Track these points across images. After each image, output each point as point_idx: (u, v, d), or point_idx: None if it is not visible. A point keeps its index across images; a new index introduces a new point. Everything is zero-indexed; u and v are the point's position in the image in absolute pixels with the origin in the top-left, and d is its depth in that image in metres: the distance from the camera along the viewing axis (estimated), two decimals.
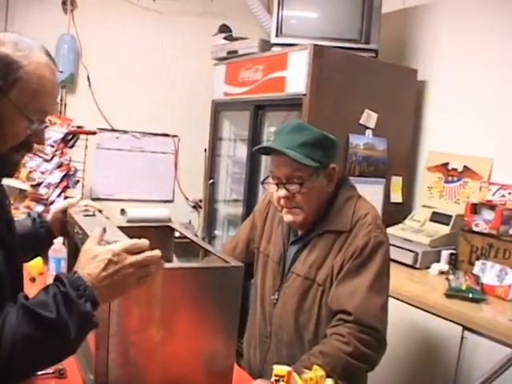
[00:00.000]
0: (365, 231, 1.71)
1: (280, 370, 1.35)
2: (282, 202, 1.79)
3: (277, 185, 1.78)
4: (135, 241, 1.19)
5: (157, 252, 1.19)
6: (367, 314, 1.63)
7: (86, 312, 1.08)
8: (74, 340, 1.08)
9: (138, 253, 1.17)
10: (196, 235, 4.02)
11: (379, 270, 1.69)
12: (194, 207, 4.68)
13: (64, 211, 1.71)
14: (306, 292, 1.78)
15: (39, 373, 1.50)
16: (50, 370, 1.52)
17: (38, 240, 1.67)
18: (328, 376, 1.36)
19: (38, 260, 2.31)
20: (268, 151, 1.84)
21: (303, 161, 1.68)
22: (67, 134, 3.53)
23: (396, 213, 3.32)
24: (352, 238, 1.72)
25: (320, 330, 1.75)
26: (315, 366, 1.39)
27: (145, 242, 1.20)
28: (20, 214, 3.14)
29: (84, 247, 1.19)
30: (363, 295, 1.65)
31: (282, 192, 1.76)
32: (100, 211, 1.73)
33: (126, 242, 1.19)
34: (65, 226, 1.71)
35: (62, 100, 3.95)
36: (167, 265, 1.35)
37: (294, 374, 1.34)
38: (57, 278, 1.12)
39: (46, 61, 1.19)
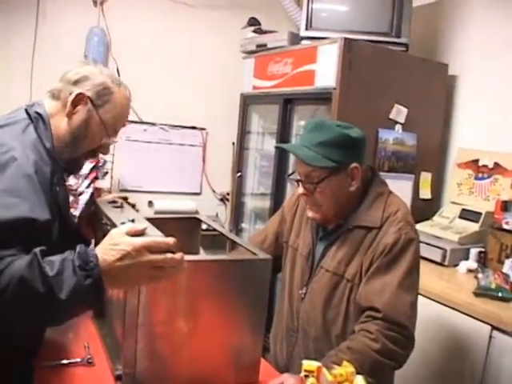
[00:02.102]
0: (395, 228, 1.69)
1: (309, 365, 1.34)
2: (304, 198, 1.81)
3: (297, 181, 1.79)
4: (159, 239, 1.19)
5: (177, 256, 1.18)
6: (396, 311, 1.62)
7: (82, 285, 1.11)
8: (61, 302, 1.10)
9: (159, 252, 1.17)
10: (223, 228, 4.03)
11: (409, 268, 1.67)
12: (222, 200, 4.69)
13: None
14: (334, 287, 1.77)
15: (67, 361, 1.54)
16: (77, 359, 1.56)
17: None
18: (356, 372, 1.35)
19: None
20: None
21: (314, 162, 1.68)
22: None
23: (425, 209, 3.29)
24: (382, 234, 1.71)
25: (348, 326, 1.74)
26: (345, 362, 1.37)
27: (169, 242, 1.19)
28: None
29: (112, 231, 1.21)
30: (392, 292, 1.63)
31: (301, 190, 1.77)
32: (125, 198, 1.77)
33: (149, 238, 1.18)
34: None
35: None
36: (195, 257, 1.35)
37: (324, 370, 1.33)
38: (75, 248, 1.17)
39: (128, 95, 1.60)
